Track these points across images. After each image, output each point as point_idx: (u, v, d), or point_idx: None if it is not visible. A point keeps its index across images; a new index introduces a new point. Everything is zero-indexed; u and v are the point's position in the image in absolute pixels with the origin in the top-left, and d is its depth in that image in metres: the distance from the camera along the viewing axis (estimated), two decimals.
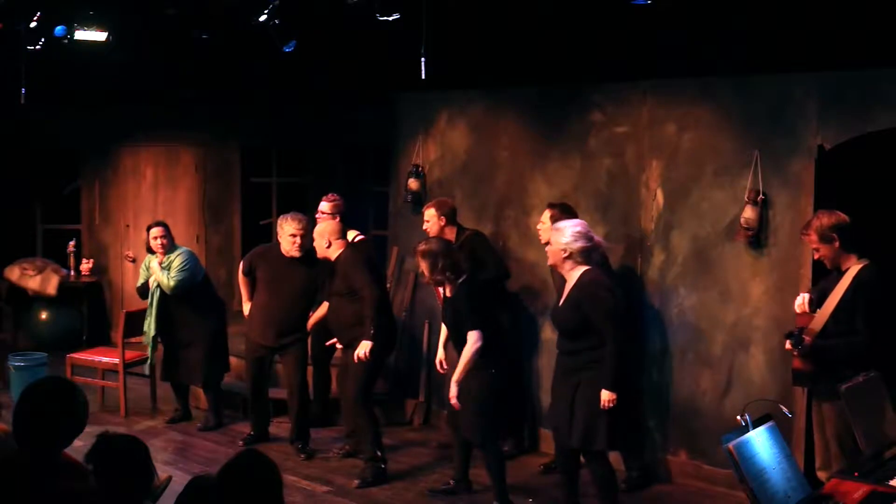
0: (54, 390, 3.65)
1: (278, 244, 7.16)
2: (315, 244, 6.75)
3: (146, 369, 8.08)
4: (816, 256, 5.25)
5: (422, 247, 6.03)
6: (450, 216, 7.09)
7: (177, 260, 7.66)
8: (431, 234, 6.99)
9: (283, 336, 7.14)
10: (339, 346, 6.91)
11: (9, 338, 9.97)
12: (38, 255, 10.57)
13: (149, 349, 7.90)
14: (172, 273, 7.62)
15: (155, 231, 7.72)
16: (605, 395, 5.25)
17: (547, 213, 6.38)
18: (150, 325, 7.79)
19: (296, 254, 7.01)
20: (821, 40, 5.84)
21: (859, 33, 5.71)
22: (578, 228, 5.44)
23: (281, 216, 7.24)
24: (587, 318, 5.28)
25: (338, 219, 7.23)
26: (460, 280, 5.94)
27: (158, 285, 7.69)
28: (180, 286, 7.63)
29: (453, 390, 5.88)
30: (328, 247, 6.66)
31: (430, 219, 7.07)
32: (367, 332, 6.45)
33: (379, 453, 6.61)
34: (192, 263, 7.73)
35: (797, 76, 6.10)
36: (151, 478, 3.63)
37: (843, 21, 5.69)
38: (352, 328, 6.58)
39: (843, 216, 5.12)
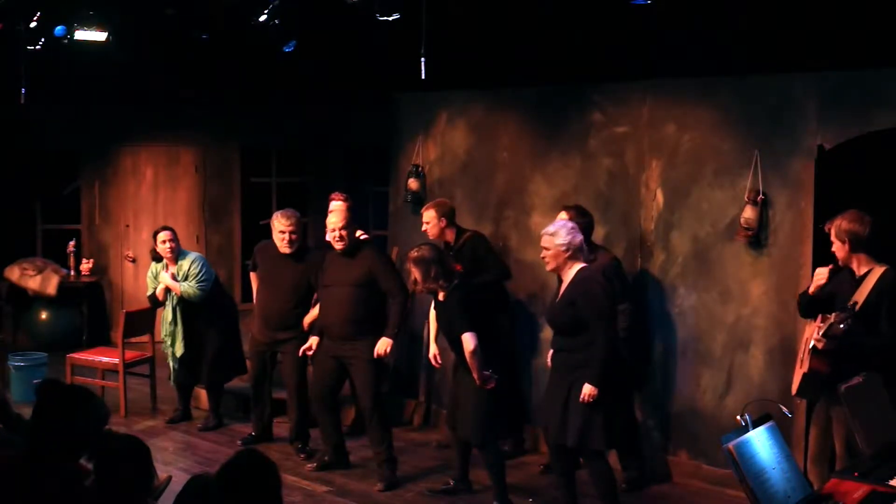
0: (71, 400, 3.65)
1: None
2: (348, 235, 6.52)
3: (171, 377, 7.98)
4: (832, 250, 5.28)
5: (414, 254, 6.02)
6: (449, 217, 7.09)
7: (192, 268, 7.66)
8: (431, 236, 6.98)
9: (277, 331, 7.12)
10: (314, 341, 6.69)
11: (9, 338, 9.97)
12: (38, 255, 10.56)
13: (171, 362, 7.85)
14: (193, 282, 7.62)
15: (163, 235, 7.72)
16: (587, 389, 5.26)
17: (563, 215, 6.18)
18: (175, 343, 7.74)
19: (286, 250, 7.00)
20: (821, 40, 5.84)
21: (859, 33, 5.71)
22: (570, 225, 5.48)
23: (274, 213, 7.23)
24: (581, 314, 5.30)
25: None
26: (451, 286, 5.94)
27: (178, 300, 7.68)
28: (203, 294, 7.65)
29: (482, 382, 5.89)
30: (355, 233, 6.63)
31: (430, 220, 7.06)
32: (391, 330, 6.42)
33: (392, 454, 6.61)
34: (207, 268, 7.77)
35: (797, 76, 6.10)
36: (152, 478, 3.64)
37: (843, 21, 5.69)
38: (359, 321, 6.48)
39: (861, 228, 5.11)
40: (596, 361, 5.26)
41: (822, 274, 5.29)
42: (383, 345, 6.41)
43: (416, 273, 5.99)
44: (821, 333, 5.06)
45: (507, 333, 7.07)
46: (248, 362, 7.65)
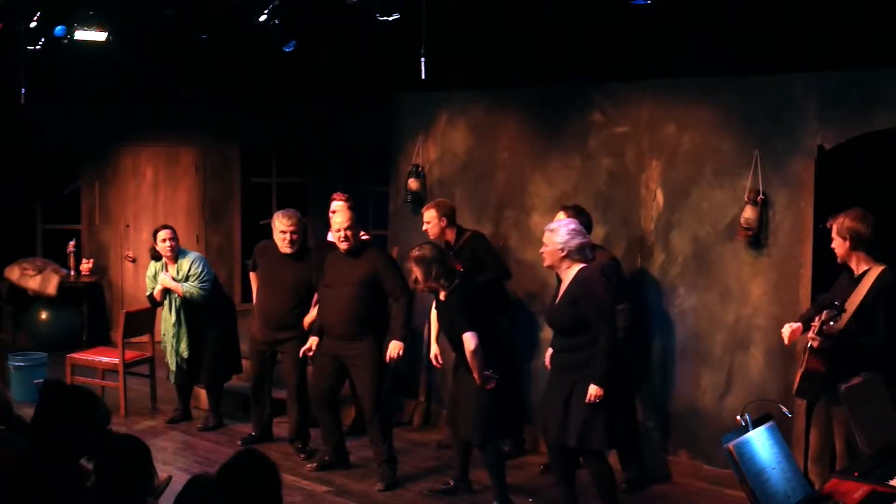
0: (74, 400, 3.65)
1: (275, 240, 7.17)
2: (353, 235, 6.49)
3: (171, 377, 7.96)
4: (832, 247, 5.30)
5: (415, 253, 6.01)
6: (450, 217, 7.08)
7: (193, 267, 7.66)
8: (432, 236, 6.97)
9: (277, 331, 7.13)
10: (313, 342, 6.69)
11: (9, 338, 9.98)
12: (38, 255, 10.56)
13: (172, 363, 7.82)
14: (195, 283, 7.63)
15: (163, 234, 7.71)
16: (592, 390, 5.25)
17: (561, 216, 6.20)
18: (181, 343, 7.71)
19: (287, 250, 7.00)
20: (821, 40, 5.84)
21: (859, 33, 5.71)
22: (572, 226, 5.46)
23: (275, 213, 7.23)
24: (582, 314, 5.29)
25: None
26: (453, 285, 5.94)
27: (181, 301, 7.66)
28: (205, 294, 7.66)
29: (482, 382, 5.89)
30: (360, 235, 6.61)
31: (431, 220, 7.05)
32: (401, 332, 6.41)
33: (393, 454, 6.61)
34: (208, 268, 7.79)
35: (797, 76, 6.11)
36: (152, 478, 3.64)
37: (843, 21, 5.69)
38: (359, 321, 6.46)
39: (863, 227, 5.12)
40: (600, 362, 5.27)
41: (785, 334, 5.35)
42: (395, 348, 6.39)
43: (417, 272, 5.98)
44: (815, 332, 5.08)
45: (506, 333, 7.07)
46: (247, 362, 7.65)
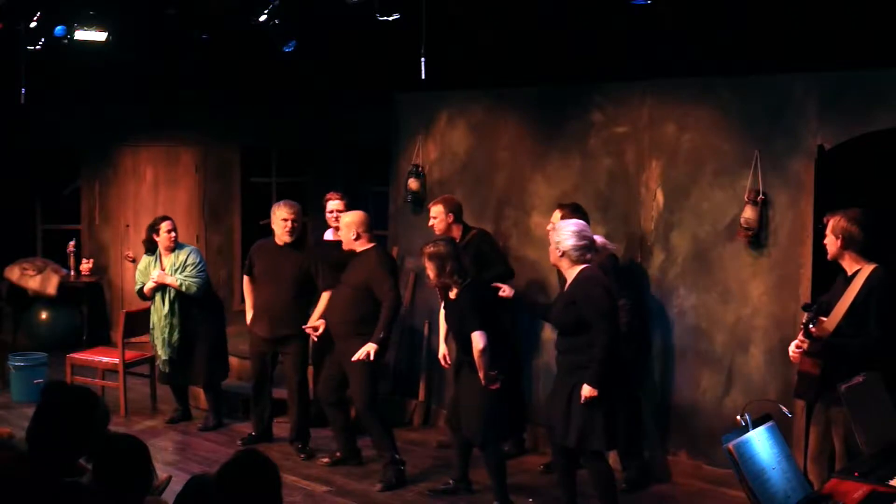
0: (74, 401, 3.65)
1: (272, 237, 7.17)
2: (343, 235, 6.63)
3: (161, 366, 7.88)
4: (824, 242, 5.29)
5: (430, 249, 5.97)
6: (457, 213, 7.05)
7: (190, 258, 7.66)
8: (438, 232, 6.93)
9: (279, 327, 7.11)
10: (315, 332, 6.82)
11: (9, 338, 9.98)
12: (38, 255, 10.57)
13: (164, 354, 7.76)
14: (192, 272, 7.62)
15: (166, 224, 7.68)
16: (585, 391, 5.25)
17: (557, 214, 6.30)
18: (173, 334, 7.66)
19: (287, 238, 7.03)
20: (821, 40, 5.84)
21: (859, 33, 5.72)
22: (573, 228, 5.46)
23: (275, 203, 7.25)
24: (581, 315, 5.29)
25: None
26: (465, 283, 5.93)
27: (175, 295, 7.64)
28: (202, 284, 7.66)
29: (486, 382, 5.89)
30: (356, 239, 6.56)
31: (438, 215, 7.01)
32: (377, 335, 6.40)
33: (397, 456, 6.60)
34: (204, 262, 7.80)
35: (797, 76, 6.11)
36: (151, 478, 3.64)
37: (843, 21, 5.69)
38: (355, 323, 6.49)
39: (857, 229, 5.10)
40: (595, 363, 5.26)
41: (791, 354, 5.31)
42: (365, 349, 6.39)
43: (430, 268, 5.95)
44: (802, 334, 5.07)
45: (509, 332, 7.06)
46: (248, 363, 7.64)
